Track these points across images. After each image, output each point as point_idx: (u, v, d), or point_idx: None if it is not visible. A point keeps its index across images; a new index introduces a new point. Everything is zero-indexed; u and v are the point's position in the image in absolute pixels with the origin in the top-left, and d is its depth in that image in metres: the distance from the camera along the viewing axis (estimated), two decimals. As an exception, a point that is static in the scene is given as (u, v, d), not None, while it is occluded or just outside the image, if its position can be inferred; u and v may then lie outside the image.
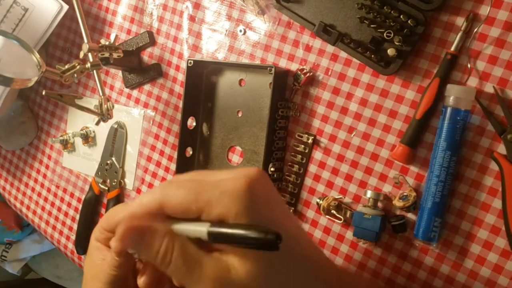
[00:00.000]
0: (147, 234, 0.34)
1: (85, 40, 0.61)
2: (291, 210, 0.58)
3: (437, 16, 0.49)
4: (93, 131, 0.76)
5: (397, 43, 0.49)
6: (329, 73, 0.56)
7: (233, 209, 0.33)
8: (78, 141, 0.77)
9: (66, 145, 0.77)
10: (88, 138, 0.76)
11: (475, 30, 0.47)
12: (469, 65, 0.48)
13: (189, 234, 0.34)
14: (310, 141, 0.57)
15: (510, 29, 0.46)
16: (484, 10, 0.47)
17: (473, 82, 0.48)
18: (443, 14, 0.49)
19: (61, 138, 0.77)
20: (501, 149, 0.47)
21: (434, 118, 0.50)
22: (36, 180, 0.85)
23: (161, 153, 0.69)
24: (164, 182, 0.38)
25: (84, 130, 0.76)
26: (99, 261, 0.45)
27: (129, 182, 0.73)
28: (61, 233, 0.82)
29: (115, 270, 0.40)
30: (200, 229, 0.33)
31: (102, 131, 0.75)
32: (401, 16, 0.48)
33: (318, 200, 0.56)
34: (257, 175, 0.36)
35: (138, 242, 0.35)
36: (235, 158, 0.63)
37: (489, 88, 0.47)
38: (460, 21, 0.48)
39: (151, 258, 0.34)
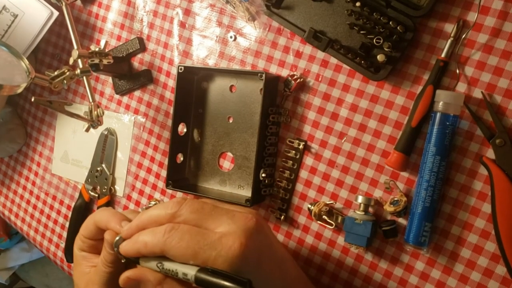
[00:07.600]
0: (142, 282, 0.41)
1: (75, 46, 0.61)
2: (282, 217, 0.58)
3: (425, 23, 0.50)
4: None
5: (386, 49, 0.49)
6: (320, 79, 0.56)
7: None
8: (70, 147, 0.77)
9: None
10: None
11: (463, 36, 0.48)
12: (458, 71, 0.48)
13: (178, 273, 0.40)
14: (301, 146, 0.57)
15: (497, 35, 0.46)
16: (472, 17, 0.47)
17: (461, 87, 0.48)
18: (431, 20, 0.49)
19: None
20: (490, 153, 0.47)
21: (425, 124, 0.50)
22: (25, 188, 0.84)
23: (152, 159, 0.69)
24: (169, 225, 0.41)
25: None
26: (88, 269, 0.47)
27: (120, 189, 0.72)
28: (50, 241, 0.81)
29: (110, 266, 0.45)
30: (189, 272, 0.39)
31: (92, 138, 0.74)
32: (390, 23, 0.49)
33: (310, 206, 0.56)
34: (254, 232, 0.41)
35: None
36: (226, 164, 0.63)
37: (477, 93, 0.47)
38: (448, 27, 0.48)
39: None
